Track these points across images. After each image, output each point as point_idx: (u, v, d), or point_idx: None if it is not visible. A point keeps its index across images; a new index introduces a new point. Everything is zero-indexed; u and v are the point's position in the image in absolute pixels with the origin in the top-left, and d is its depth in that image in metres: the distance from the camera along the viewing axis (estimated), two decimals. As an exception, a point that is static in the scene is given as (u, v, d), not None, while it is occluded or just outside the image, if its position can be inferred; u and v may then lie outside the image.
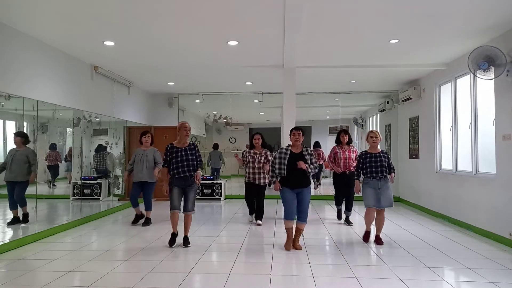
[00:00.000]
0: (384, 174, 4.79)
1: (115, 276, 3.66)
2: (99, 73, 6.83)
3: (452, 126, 6.42)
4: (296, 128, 4.67)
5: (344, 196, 6.24)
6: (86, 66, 6.54)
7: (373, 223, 4.97)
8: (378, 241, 4.84)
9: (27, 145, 5.14)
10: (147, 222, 6.09)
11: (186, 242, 4.71)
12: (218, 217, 7.07)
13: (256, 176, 6.12)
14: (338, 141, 6.30)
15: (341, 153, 6.15)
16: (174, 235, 4.75)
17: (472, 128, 5.71)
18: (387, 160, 4.87)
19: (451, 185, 6.34)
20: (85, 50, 5.81)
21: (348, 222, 6.16)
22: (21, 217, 5.22)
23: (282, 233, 5.54)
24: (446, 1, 4.04)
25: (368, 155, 4.89)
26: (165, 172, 4.72)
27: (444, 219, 6.52)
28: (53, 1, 4.01)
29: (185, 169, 4.60)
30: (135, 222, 6.10)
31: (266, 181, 6.23)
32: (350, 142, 6.30)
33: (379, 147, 4.99)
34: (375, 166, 4.80)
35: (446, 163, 6.73)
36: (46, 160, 6.33)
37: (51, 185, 6.66)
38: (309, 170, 4.45)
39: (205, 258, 4.27)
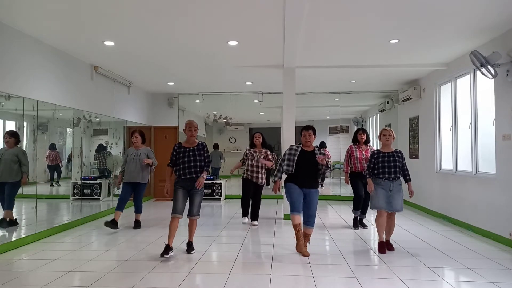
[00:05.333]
0: (398, 175, 4.51)
1: (115, 276, 3.66)
2: (99, 73, 6.83)
3: (452, 126, 6.42)
4: (306, 128, 4.42)
5: (362, 197, 5.84)
6: (86, 66, 6.55)
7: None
8: (389, 246, 4.55)
9: (17, 145, 5.01)
10: (138, 225, 5.87)
11: (190, 248, 4.45)
12: (218, 217, 7.06)
13: (254, 175, 6.04)
14: (355, 140, 6.01)
15: (358, 153, 5.86)
16: (167, 248, 4.22)
17: (472, 128, 5.70)
18: (401, 160, 4.57)
19: (451, 185, 6.34)
20: (85, 50, 5.81)
21: (362, 225, 5.95)
22: (5, 220, 4.99)
23: (282, 233, 5.56)
24: (446, 1, 4.04)
25: (381, 155, 4.59)
26: (169, 171, 4.52)
27: (444, 219, 6.52)
28: (53, 1, 4.01)
29: (192, 170, 4.34)
30: (109, 225, 5.58)
31: (264, 181, 6.15)
32: (368, 141, 6.01)
33: (392, 146, 4.69)
34: (388, 166, 4.50)
35: (446, 163, 6.73)
36: (47, 160, 6.31)
37: (56, 183, 6.64)
38: (329, 165, 4.28)
39: (205, 258, 4.27)
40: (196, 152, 4.41)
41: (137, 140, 5.87)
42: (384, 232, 4.60)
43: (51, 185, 6.54)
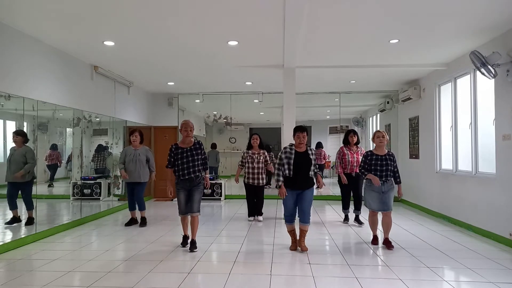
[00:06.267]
0: (389, 178, 4.59)
1: (115, 276, 3.66)
2: (99, 73, 6.83)
3: (452, 126, 6.42)
4: (300, 129, 4.41)
5: (350, 196, 6.17)
6: (86, 66, 6.54)
7: (378, 226, 4.85)
8: (388, 245, 4.60)
9: (26, 144, 5.10)
10: (144, 222, 6.03)
11: (193, 246, 4.51)
12: (218, 217, 7.06)
13: (255, 176, 6.17)
14: (346, 142, 6.13)
15: (349, 156, 5.99)
16: (185, 237, 4.68)
17: (472, 128, 5.70)
18: (393, 163, 4.64)
19: (451, 185, 6.34)
20: (85, 50, 5.81)
21: (358, 222, 6.07)
22: (24, 220, 5.19)
23: (282, 233, 5.55)
24: (446, 1, 4.04)
25: (374, 157, 4.64)
26: (170, 173, 4.59)
27: (444, 219, 6.52)
28: (53, 1, 4.01)
29: (190, 170, 4.43)
30: (129, 224, 6.00)
31: (264, 181, 6.27)
32: (357, 143, 6.14)
33: (385, 148, 4.74)
34: (380, 169, 4.57)
35: (446, 163, 6.73)
36: (46, 160, 6.31)
37: (51, 184, 6.65)
38: (321, 174, 4.50)
39: (205, 258, 4.28)
40: (194, 152, 4.48)
41: (136, 139, 5.96)
42: (383, 231, 4.77)
43: (49, 185, 6.54)
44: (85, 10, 4.26)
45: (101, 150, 7.74)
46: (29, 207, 5.19)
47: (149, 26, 4.77)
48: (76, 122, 6.41)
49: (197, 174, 4.48)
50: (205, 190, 4.72)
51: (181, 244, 4.71)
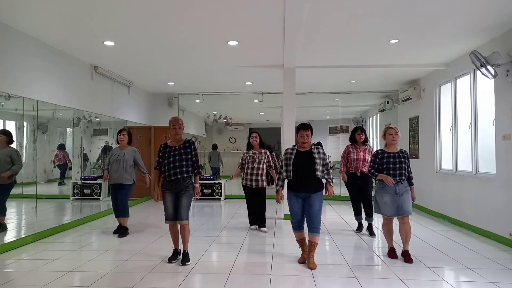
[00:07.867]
0: (403, 177, 4.12)
1: (115, 276, 3.66)
2: (99, 73, 6.83)
3: (452, 126, 6.42)
4: (303, 127, 3.99)
5: (359, 200, 5.57)
6: (86, 66, 6.55)
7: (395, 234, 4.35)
8: (407, 257, 4.08)
9: (10, 145, 4.84)
10: (124, 232, 5.32)
11: (185, 259, 4.03)
12: (218, 217, 7.06)
13: (254, 178, 5.61)
14: (353, 140, 5.66)
15: (355, 154, 5.51)
16: (176, 252, 4.13)
17: (472, 128, 5.70)
18: (406, 161, 4.17)
19: (451, 185, 6.34)
20: (85, 50, 5.82)
21: (370, 232, 5.40)
22: None
23: (282, 233, 5.56)
24: (446, 1, 4.04)
25: (386, 155, 4.19)
26: (157, 175, 4.14)
27: (444, 219, 6.52)
28: (53, 1, 4.01)
29: (177, 170, 3.95)
30: (117, 232, 5.40)
31: (264, 183, 5.71)
32: (365, 141, 5.63)
33: (398, 145, 4.30)
34: (394, 168, 4.10)
35: (446, 163, 6.73)
36: (54, 160, 6.29)
37: (62, 182, 6.66)
38: (331, 183, 4.00)
39: (205, 258, 4.28)
40: (182, 151, 4.03)
41: (124, 139, 5.43)
42: (393, 239, 4.35)
43: (59, 183, 6.52)
44: (85, 10, 4.26)
45: (105, 151, 7.76)
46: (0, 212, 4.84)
47: (149, 26, 4.77)
48: (76, 122, 6.41)
49: (185, 175, 3.98)
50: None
51: (169, 258, 4.08)
